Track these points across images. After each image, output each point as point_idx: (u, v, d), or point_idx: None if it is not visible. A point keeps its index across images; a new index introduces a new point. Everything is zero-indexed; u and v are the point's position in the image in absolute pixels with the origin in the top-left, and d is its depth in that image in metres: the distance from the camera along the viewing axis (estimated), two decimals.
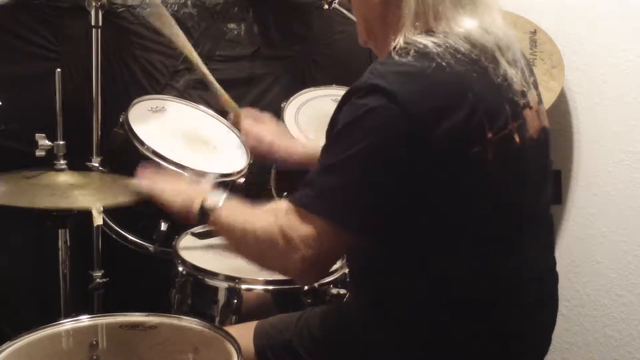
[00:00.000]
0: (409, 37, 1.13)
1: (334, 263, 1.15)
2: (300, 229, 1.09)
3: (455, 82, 1.08)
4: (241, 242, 1.21)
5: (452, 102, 1.07)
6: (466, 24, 1.13)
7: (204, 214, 1.25)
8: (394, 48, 1.13)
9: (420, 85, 1.07)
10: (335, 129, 1.11)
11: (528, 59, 1.26)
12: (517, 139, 1.14)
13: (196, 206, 1.27)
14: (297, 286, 1.58)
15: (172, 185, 1.38)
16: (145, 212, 1.86)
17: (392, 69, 1.09)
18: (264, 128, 1.70)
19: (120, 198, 1.54)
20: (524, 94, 1.17)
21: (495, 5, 1.19)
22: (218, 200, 1.25)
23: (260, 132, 1.70)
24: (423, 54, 1.09)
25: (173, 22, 1.82)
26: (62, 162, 1.61)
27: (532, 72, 1.25)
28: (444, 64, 1.08)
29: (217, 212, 1.24)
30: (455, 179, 1.09)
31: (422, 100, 1.05)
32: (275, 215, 1.13)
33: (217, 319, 1.60)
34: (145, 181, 1.40)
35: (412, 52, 1.09)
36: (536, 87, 1.25)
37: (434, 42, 1.10)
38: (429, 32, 1.13)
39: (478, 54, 1.12)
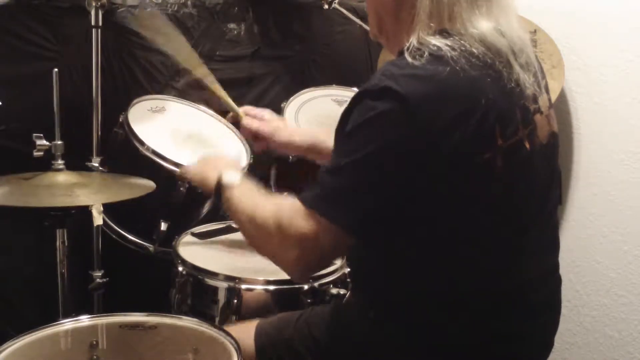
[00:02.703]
0: (422, 38, 1.11)
1: (330, 263, 1.16)
2: (302, 226, 1.09)
3: (469, 88, 1.07)
4: (244, 227, 1.24)
5: (464, 108, 1.05)
6: (481, 26, 1.12)
7: (219, 190, 1.28)
8: (407, 48, 1.12)
9: (432, 89, 1.05)
10: (346, 129, 1.10)
11: (540, 63, 1.25)
12: (527, 145, 1.13)
13: (212, 181, 1.31)
14: (297, 286, 1.58)
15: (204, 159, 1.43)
16: (145, 212, 1.87)
17: (405, 72, 1.07)
18: (262, 124, 1.70)
19: (120, 197, 1.54)
20: (535, 99, 1.16)
21: (511, 7, 1.17)
22: (233, 178, 1.28)
23: (259, 129, 1.70)
24: (437, 57, 1.08)
25: (169, 29, 1.79)
26: (60, 162, 1.61)
27: (544, 76, 1.23)
28: (457, 68, 1.06)
29: (231, 190, 1.27)
30: (463, 184, 1.08)
31: (434, 106, 1.04)
32: (279, 209, 1.14)
33: (217, 319, 1.60)
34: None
35: (426, 54, 1.08)
36: (547, 91, 1.24)
37: (449, 45, 1.08)
38: (443, 32, 1.12)
39: (492, 57, 1.10)
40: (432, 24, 1.12)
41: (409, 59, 1.09)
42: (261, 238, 1.19)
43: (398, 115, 1.04)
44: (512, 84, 1.11)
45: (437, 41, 1.09)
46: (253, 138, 1.73)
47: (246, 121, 1.72)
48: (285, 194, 1.24)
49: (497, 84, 1.09)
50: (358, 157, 1.06)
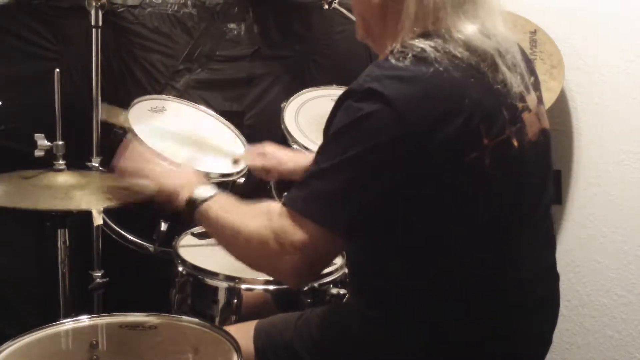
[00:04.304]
0: (406, 41, 1.12)
1: (327, 266, 1.15)
2: (294, 233, 1.08)
3: (453, 88, 1.07)
4: (231, 242, 1.19)
5: (448, 108, 1.06)
6: (466, 30, 1.12)
7: (192, 206, 1.22)
8: (392, 51, 1.12)
9: (416, 90, 1.06)
10: (330, 131, 1.10)
11: (530, 60, 1.25)
12: (515, 143, 1.13)
13: (184, 195, 1.23)
14: None
15: (158, 168, 1.33)
16: (145, 212, 1.87)
17: (388, 73, 1.08)
18: (266, 160, 1.71)
19: (121, 198, 1.54)
20: (522, 98, 1.17)
21: (497, 8, 1.18)
22: (208, 191, 1.23)
23: (265, 166, 1.71)
24: (421, 58, 1.08)
25: None
26: (61, 162, 1.61)
27: (532, 73, 1.24)
28: (441, 69, 1.07)
29: (206, 205, 1.21)
30: (452, 184, 1.08)
31: (418, 106, 1.04)
32: (269, 218, 1.12)
33: (217, 319, 1.60)
34: (129, 164, 1.35)
35: (409, 56, 1.08)
36: (536, 88, 1.24)
37: (432, 47, 1.09)
38: (427, 34, 1.12)
39: (477, 60, 1.11)
40: (416, 28, 1.13)
41: (393, 61, 1.09)
42: (253, 251, 1.15)
43: (383, 116, 1.04)
44: (498, 85, 1.12)
45: (420, 43, 1.10)
46: (263, 173, 1.74)
47: (251, 162, 1.74)
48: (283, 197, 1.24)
49: (481, 84, 1.10)
50: (345, 159, 1.06)
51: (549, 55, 2.16)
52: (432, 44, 1.09)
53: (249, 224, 1.14)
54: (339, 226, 1.08)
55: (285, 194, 1.14)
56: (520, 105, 1.16)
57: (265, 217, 1.13)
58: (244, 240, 1.14)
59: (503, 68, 1.13)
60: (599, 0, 2.12)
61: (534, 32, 2.18)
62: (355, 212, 1.08)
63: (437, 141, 1.04)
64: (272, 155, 1.71)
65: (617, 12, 2.08)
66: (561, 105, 2.21)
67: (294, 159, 1.68)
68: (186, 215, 1.24)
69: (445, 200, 1.09)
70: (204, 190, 1.23)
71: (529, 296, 1.22)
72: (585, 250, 2.21)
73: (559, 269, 1.32)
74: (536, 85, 1.25)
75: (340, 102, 1.11)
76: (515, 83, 1.14)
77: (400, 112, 1.03)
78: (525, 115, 1.17)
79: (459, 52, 1.09)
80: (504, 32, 1.16)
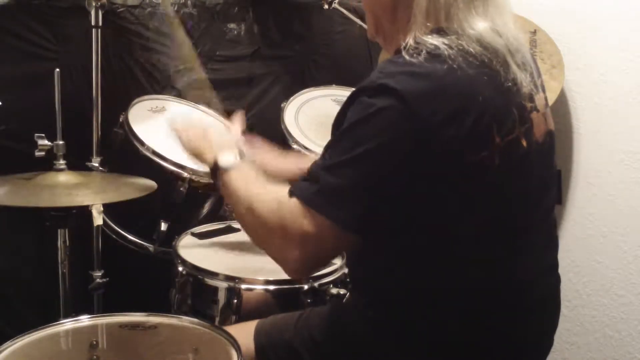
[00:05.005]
0: (419, 37, 1.12)
1: (331, 260, 1.16)
2: (302, 224, 1.08)
3: (466, 86, 1.07)
4: (243, 218, 1.21)
5: (461, 106, 1.06)
6: (478, 26, 1.12)
7: (216, 170, 1.27)
8: (405, 47, 1.12)
9: (430, 87, 1.05)
10: (343, 126, 1.10)
11: (536, 62, 1.25)
12: (524, 143, 1.13)
13: (210, 159, 1.29)
14: (297, 286, 1.58)
15: (198, 129, 1.41)
16: (145, 212, 1.87)
17: (402, 69, 1.08)
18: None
19: (121, 198, 1.54)
20: (531, 98, 1.17)
21: (507, 7, 1.18)
22: (232, 161, 1.26)
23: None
24: (434, 55, 1.08)
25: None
26: (61, 162, 1.61)
27: (540, 75, 1.24)
28: (455, 66, 1.07)
29: (227, 175, 1.25)
30: (460, 182, 1.08)
31: (432, 103, 1.04)
32: (279, 206, 1.12)
33: (217, 319, 1.60)
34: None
35: (423, 52, 1.08)
36: (544, 90, 1.24)
37: (446, 44, 1.09)
38: (440, 31, 1.12)
39: (490, 57, 1.11)
40: (428, 24, 1.13)
41: (407, 57, 1.09)
42: (261, 232, 1.17)
43: (396, 112, 1.04)
44: (509, 83, 1.12)
45: (434, 40, 1.10)
46: None
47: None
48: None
49: (493, 82, 1.10)
50: (356, 154, 1.06)
51: (549, 55, 2.16)
52: (445, 40, 1.09)
53: (263, 205, 1.15)
54: (348, 222, 1.08)
55: (293, 184, 1.14)
56: (529, 105, 1.16)
57: (277, 203, 1.13)
58: (255, 219, 1.16)
59: (514, 66, 1.13)
60: (599, 0, 2.12)
61: (534, 32, 2.18)
62: (365, 208, 1.08)
63: (449, 138, 1.04)
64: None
65: (617, 13, 2.08)
66: (561, 105, 2.21)
67: (277, 165, 1.64)
68: (213, 181, 1.30)
69: (451, 199, 1.09)
70: (226, 159, 1.27)
71: (530, 296, 1.21)
72: (585, 250, 2.21)
73: (559, 269, 1.32)
74: (543, 87, 1.25)
75: (352, 98, 1.11)
76: (525, 82, 1.14)
77: (413, 108, 1.03)
78: (534, 115, 1.17)
79: (473, 48, 1.10)
80: (514, 31, 1.16)
